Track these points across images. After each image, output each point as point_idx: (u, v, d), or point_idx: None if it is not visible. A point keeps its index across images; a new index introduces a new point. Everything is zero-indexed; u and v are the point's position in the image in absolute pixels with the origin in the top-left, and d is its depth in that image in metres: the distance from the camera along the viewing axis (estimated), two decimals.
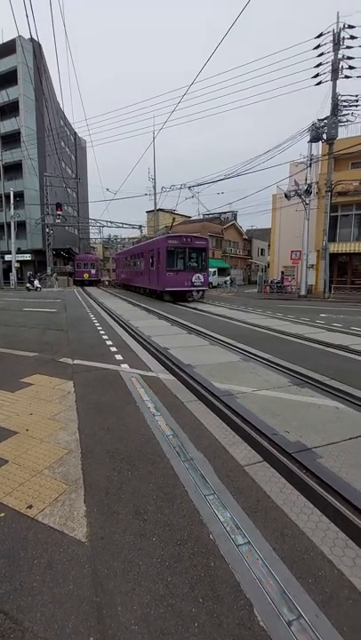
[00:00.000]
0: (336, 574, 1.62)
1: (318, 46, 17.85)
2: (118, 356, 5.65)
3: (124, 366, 5.07)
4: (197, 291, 17.04)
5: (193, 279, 16.05)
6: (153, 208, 33.72)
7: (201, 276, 16.29)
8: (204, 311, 12.82)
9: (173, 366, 5.09)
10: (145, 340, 6.93)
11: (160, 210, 34.09)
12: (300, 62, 18.34)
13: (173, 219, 20.45)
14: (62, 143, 38.33)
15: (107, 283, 35.62)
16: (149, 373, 4.76)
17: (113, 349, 6.17)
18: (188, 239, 16.17)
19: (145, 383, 4.31)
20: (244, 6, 6.95)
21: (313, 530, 1.89)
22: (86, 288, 30.22)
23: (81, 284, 33.84)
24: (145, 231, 37.81)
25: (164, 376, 4.64)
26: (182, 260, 16.18)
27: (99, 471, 2.42)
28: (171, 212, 21.73)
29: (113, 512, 2.02)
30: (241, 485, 2.27)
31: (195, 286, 16.33)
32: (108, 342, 6.79)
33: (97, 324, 9.15)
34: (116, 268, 33.51)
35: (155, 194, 32.66)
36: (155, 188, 32.61)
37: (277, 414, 3.40)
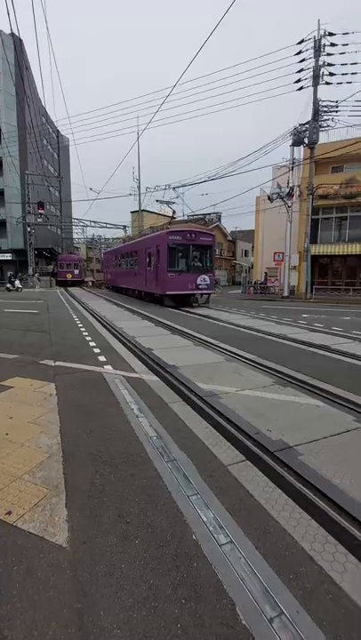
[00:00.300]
0: (316, 570, 1.65)
1: (300, 52, 18.24)
2: (102, 358, 5.58)
3: (108, 368, 5.02)
4: (202, 294, 15.14)
5: (198, 281, 14.10)
6: (137, 208, 33.61)
7: (207, 278, 14.36)
8: (192, 313, 12.79)
9: (157, 367, 5.07)
10: (129, 342, 6.88)
11: (144, 210, 34.01)
12: (288, 66, 18.59)
13: (173, 212, 17.99)
14: (44, 141, 37.65)
15: (90, 284, 35.14)
16: (133, 374, 4.73)
17: (96, 351, 6.09)
18: (192, 235, 14.16)
19: (128, 384, 4.28)
20: (229, 6, 6.98)
21: (294, 527, 1.92)
22: (69, 289, 29.75)
23: (64, 284, 33.27)
24: (129, 231, 37.57)
25: (148, 377, 4.62)
26: (185, 259, 14.16)
27: (81, 474, 2.39)
28: (167, 203, 18.84)
29: (95, 516, 1.99)
30: (224, 485, 2.28)
31: (200, 289, 14.36)
32: (92, 344, 6.70)
33: (80, 326, 9.02)
34: (104, 267, 30.73)
35: (139, 194, 32.59)
36: (139, 188, 32.55)
37: (260, 414, 3.44)
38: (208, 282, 14.46)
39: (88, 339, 7.19)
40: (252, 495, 2.18)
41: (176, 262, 14.01)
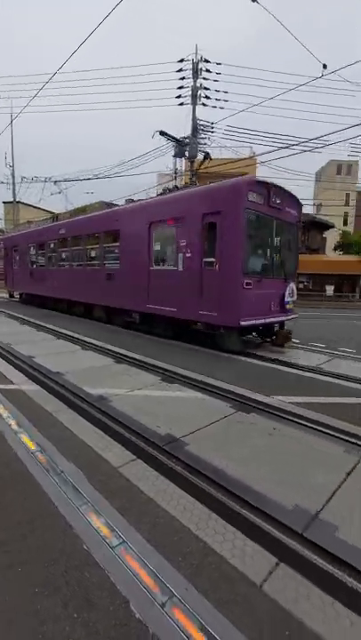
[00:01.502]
0: (201, 546, 1.82)
1: (180, 70, 19.55)
2: None
3: None
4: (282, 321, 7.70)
5: (286, 296, 7.31)
6: (11, 199, 29.98)
7: (294, 289, 7.67)
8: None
9: (40, 376, 4.67)
10: (3, 349, 6.10)
11: (20, 202, 30.62)
12: (171, 80, 19.63)
13: (206, 156, 9.54)
14: None
15: None
16: (10, 386, 4.22)
17: None
18: (277, 197, 6.88)
19: (4, 398, 3.80)
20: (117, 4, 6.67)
21: (182, 512, 2.07)
22: None
23: None
24: (2, 224, 33.19)
25: (29, 387, 4.20)
26: (267, 249, 7.19)
27: None
28: (181, 142, 10.13)
29: None
30: (115, 487, 2.28)
31: (285, 312, 7.40)
32: None
33: None
34: (7, 264, 17.23)
35: (13, 183, 29.10)
36: (13, 176, 29.08)
37: (150, 411, 3.56)
38: (294, 297, 7.73)
39: None
40: (143, 491, 2.25)
41: (255, 254, 6.95)
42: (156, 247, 8.07)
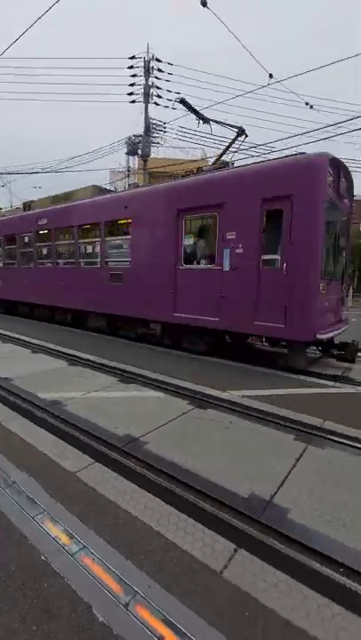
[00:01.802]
0: (163, 542, 1.84)
1: (132, 67, 19.31)
2: None
3: None
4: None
5: (345, 301, 6.77)
6: None
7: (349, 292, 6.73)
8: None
9: None
10: None
11: None
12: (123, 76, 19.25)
13: (241, 131, 7.25)
14: None
15: None
16: None
17: None
18: (343, 183, 5.84)
19: None
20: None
21: (142, 511, 2.07)
22: None
23: None
24: None
25: None
26: (330, 247, 5.77)
27: None
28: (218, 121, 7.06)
29: None
30: (72, 493, 2.21)
31: (343, 321, 6.49)
32: None
33: None
34: None
35: None
36: None
37: (107, 413, 3.50)
38: (349, 303, 6.65)
39: None
40: (102, 494, 2.21)
41: (325, 256, 5.53)
42: (188, 241, 6.50)
